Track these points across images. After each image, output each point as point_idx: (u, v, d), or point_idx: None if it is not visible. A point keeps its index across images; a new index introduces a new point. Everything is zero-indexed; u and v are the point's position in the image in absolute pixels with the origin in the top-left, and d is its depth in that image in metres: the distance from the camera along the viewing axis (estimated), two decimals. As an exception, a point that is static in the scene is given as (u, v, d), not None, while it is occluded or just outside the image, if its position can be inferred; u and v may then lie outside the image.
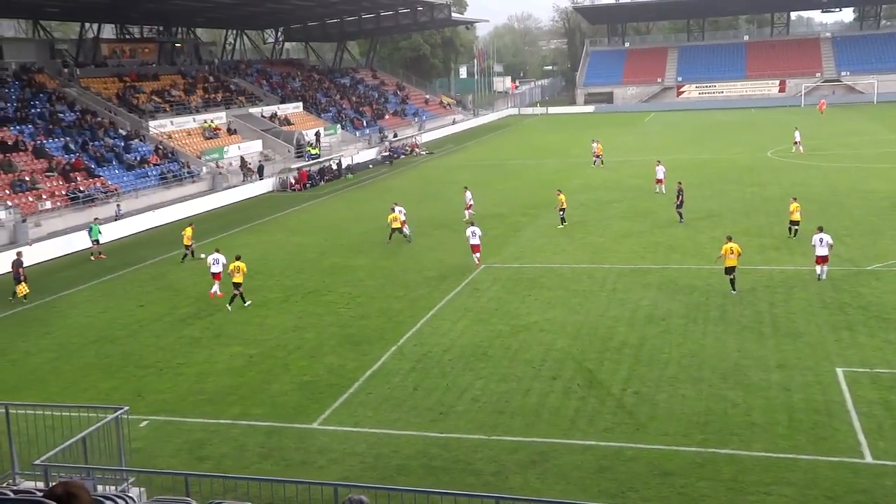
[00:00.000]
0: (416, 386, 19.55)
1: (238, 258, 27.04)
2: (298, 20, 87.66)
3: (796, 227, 32.14)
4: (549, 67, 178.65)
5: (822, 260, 26.62)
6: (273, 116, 68.13)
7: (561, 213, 36.91)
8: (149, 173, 49.31)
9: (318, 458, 16.12)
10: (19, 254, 30.49)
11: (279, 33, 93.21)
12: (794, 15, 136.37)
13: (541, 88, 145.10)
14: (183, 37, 75.70)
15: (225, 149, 57.24)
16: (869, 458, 15.04)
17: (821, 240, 26.48)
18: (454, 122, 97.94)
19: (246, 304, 26.81)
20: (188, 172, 51.64)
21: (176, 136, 56.31)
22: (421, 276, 29.98)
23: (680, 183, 38.00)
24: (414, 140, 77.96)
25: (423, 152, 73.26)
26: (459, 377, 19.93)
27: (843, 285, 25.70)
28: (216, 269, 28.01)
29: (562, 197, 37.05)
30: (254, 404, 18.97)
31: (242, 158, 56.96)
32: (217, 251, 28.64)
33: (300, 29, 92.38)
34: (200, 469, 15.37)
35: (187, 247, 33.83)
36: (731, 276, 25.64)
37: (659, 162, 45.10)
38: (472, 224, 32.03)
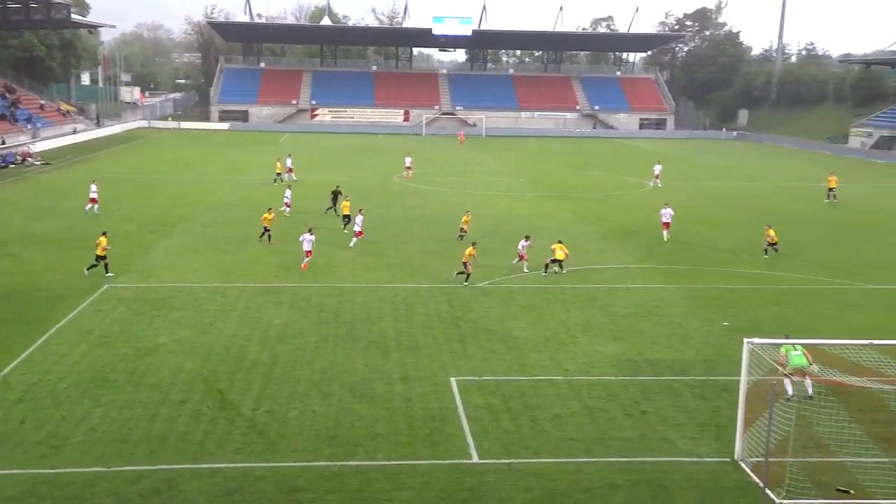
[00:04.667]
0: (24, 419, 17.73)
1: (104, 233, 30.32)
2: None
3: (464, 234, 37.80)
4: (182, 81, 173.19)
5: (666, 226, 38.84)
6: None
7: (770, 245, 35.72)
8: None
9: None
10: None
11: None
12: (416, 51, 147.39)
13: (173, 102, 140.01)
14: None
15: None
16: (475, 458, 16.65)
17: (667, 212, 38.90)
18: (75, 132, 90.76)
19: (108, 275, 29.68)
20: None
21: None
22: (35, 296, 27.26)
23: (338, 187, 45.86)
24: (26, 148, 71.03)
25: (38, 162, 66.92)
26: (76, 406, 18.45)
27: (457, 301, 28.19)
28: (307, 246, 32.35)
29: (771, 232, 35.82)
30: None
31: None
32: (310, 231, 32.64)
33: None
34: None
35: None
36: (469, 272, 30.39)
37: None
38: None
